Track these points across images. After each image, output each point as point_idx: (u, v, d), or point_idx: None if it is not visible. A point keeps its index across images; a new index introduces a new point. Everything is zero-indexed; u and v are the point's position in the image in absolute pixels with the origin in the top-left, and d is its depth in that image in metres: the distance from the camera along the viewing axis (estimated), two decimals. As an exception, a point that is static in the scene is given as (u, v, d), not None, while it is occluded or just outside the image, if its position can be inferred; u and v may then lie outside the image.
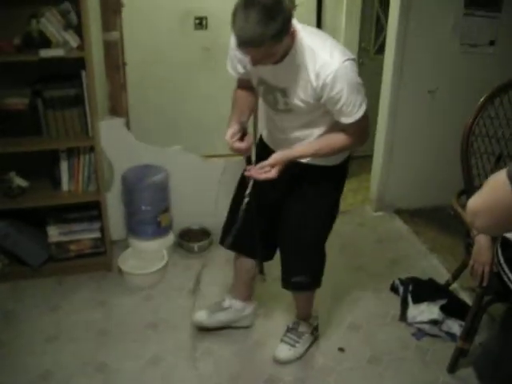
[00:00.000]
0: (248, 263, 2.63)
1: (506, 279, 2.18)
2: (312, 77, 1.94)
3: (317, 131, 2.16)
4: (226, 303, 2.76)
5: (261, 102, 2.29)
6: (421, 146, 3.97)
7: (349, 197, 4.21)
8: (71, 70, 2.79)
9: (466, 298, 2.98)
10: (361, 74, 2.07)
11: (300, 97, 2.01)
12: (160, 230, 3.28)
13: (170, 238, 3.38)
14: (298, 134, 2.18)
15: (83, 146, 2.96)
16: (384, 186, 4.06)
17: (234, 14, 1.75)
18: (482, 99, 2.67)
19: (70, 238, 3.08)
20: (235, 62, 2.17)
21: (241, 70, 2.17)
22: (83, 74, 2.78)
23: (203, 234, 3.54)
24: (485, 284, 2.32)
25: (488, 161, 2.75)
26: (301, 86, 1.99)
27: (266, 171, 2.07)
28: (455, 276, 3.00)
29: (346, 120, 2.02)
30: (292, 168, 2.14)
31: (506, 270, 2.19)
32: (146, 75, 4.09)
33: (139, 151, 3.30)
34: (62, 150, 2.94)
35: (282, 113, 2.15)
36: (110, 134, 3.13)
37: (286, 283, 2.48)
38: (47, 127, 2.89)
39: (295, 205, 2.33)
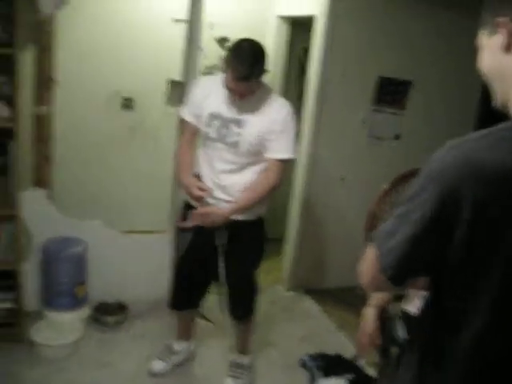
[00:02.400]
0: (191, 311, 3.05)
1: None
2: (273, 112, 2.54)
3: (245, 178, 2.60)
4: (176, 347, 3.12)
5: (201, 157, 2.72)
6: (331, 229, 4.23)
7: (261, 277, 4.33)
8: (-2, 139, 2.86)
9: (372, 372, 3.13)
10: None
11: (255, 128, 2.52)
12: (76, 302, 3.28)
13: (86, 311, 3.37)
14: (230, 179, 2.60)
15: (4, 215, 2.98)
16: (296, 267, 4.25)
17: (230, 60, 2.41)
18: (384, 187, 2.96)
19: (-19, 307, 3.03)
20: (192, 107, 2.69)
21: (196, 112, 2.66)
22: (11, 144, 2.85)
23: (119, 308, 3.54)
24: (366, 352, 2.50)
25: (390, 243, 2.99)
26: (259, 118, 2.54)
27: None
28: (361, 352, 3.16)
29: (283, 154, 2.56)
30: (228, 226, 2.62)
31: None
32: (73, 150, 4.16)
33: (60, 223, 3.34)
34: (-18, 217, 2.95)
35: (226, 149, 2.56)
36: (32, 205, 3.17)
37: (234, 317, 2.92)
38: (-31, 194, 2.90)
39: (234, 254, 2.71)
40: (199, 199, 2.60)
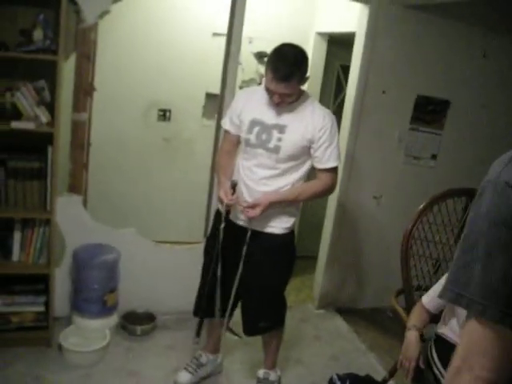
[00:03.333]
0: (219, 322, 2.94)
1: (438, 375, 2.29)
2: (316, 119, 2.53)
3: (285, 184, 2.59)
4: (204, 359, 3.08)
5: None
6: (365, 249, 4.17)
7: (292, 294, 4.29)
8: (37, 143, 2.89)
9: (402, 395, 3.06)
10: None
11: (297, 134, 2.53)
12: (105, 310, 3.27)
13: (114, 319, 3.36)
14: (270, 187, 2.59)
15: (39, 219, 3.00)
16: (327, 286, 4.19)
17: (271, 61, 2.42)
18: (421, 206, 2.90)
19: (12, 309, 3.03)
20: (234, 116, 2.69)
21: (237, 121, 2.68)
22: (50, 149, 2.88)
23: (148, 317, 3.53)
24: (409, 378, 2.41)
25: (426, 263, 2.94)
26: (302, 125, 2.54)
27: (248, 210, 2.53)
28: (392, 373, 3.08)
29: (330, 163, 2.58)
30: (256, 239, 2.62)
31: (439, 365, 2.31)
32: (108, 158, 4.21)
33: (93, 230, 3.35)
34: (17, 219, 2.97)
35: (267, 155, 2.56)
36: (67, 210, 3.19)
37: (254, 329, 2.84)
38: (6, 195, 2.92)
39: (262, 266, 2.69)
40: (221, 201, 2.60)
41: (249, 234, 2.62)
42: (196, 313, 2.93)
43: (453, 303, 0.93)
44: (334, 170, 2.64)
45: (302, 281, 4.64)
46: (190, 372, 3.02)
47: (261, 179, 2.62)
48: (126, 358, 3.16)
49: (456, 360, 0.92)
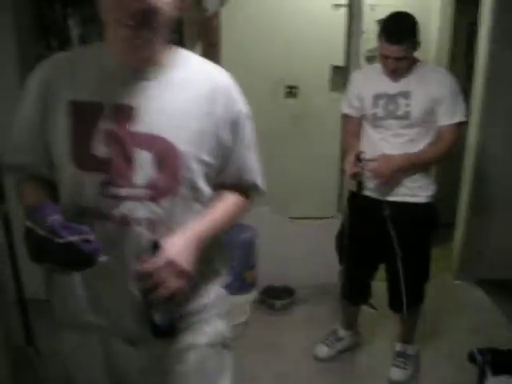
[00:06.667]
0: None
1: None
2: (437, 79, 2.57)
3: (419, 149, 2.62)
4: (341, 333, 3.16)
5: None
6: (506, 214, 3.95)
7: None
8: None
9: (548, 371, 2.93)
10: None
11: (422, 96, 2.55)
12: (245, 286, 3.43)
13: (254, 295, 3.51)
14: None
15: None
16: (466, 255, 4.06)
17: (382, 27, 2.52)
18: None
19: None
20: (352, 99, 2.76)
21: (356, 103, 2.74)
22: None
23: (286, 292, 3.65)
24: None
25: None
26: (424, 86, 2.56)
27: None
28: (537, 349, 2.96)
29: (455, 118, 2.56)
30: (399, 210, 2.65)
31: None
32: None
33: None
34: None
35: (397, 124, 2.60)
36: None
37: (399, 307, 2.83)
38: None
39: (409, 241, 2.69)
40: (353, 175, 2.65)
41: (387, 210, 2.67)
42: (346, 296, 3.05)
43: None
44: (460, 126, 2.61)
45: (440, 250, 4.47)
46: (327, 345, 3.11)
47: (396, 148, 2.62)
48: (266, 332, 3.31)
49: None
